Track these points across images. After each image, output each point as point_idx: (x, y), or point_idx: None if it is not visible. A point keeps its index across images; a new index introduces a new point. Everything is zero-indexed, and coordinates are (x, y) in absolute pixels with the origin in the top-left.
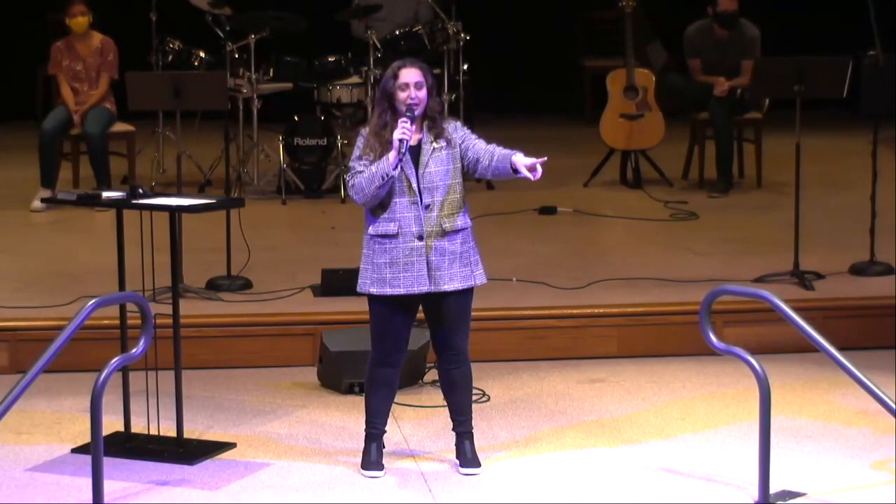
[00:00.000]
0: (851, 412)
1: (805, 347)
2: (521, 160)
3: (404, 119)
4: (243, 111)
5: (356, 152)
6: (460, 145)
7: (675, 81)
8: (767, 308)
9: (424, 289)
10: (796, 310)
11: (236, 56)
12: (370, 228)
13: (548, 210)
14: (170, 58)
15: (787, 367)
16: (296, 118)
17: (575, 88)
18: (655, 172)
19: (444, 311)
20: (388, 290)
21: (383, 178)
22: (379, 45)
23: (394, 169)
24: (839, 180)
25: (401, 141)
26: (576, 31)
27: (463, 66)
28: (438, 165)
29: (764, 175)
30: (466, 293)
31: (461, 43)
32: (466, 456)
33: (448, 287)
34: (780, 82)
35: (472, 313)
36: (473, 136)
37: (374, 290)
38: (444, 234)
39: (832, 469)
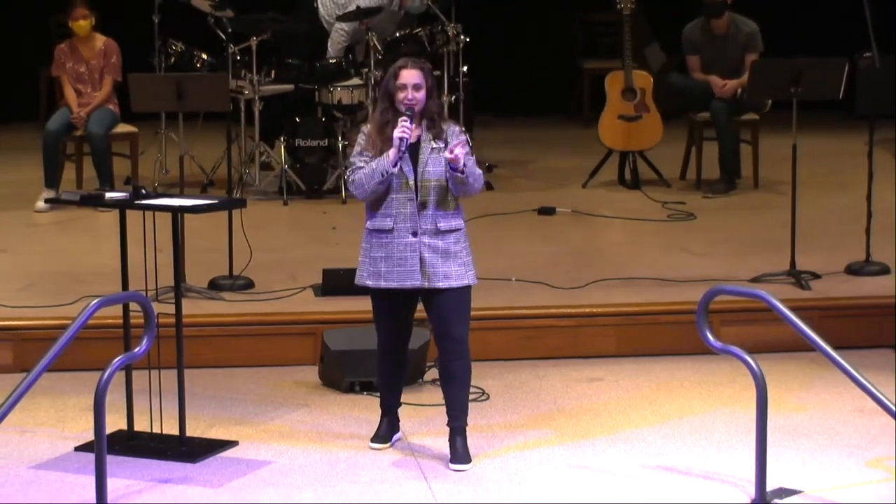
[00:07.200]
0: (847, 410)
1: (801, 346)
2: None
3: (405, 118)
4: (245, 112)
5: (357, 148)
6: None
7: (676, 81)
8: (764, 307)
9: (417, 283)
10: (793, 309)
11: (238, 58)
12: (368, 223)
13: (547, 210)
14: (172, 60)
15: (783, 365)
16: (297, 119)
17: (573, 90)
18: (653, 173)
19: (441, 305)
20: (383, 284)
21: (383, 175)
22: (380, 48)
23: (393, 166)
24: (835, 181)
25: (401, 139)
26: (574, 32)
27: (462, 67)
28: (436, 166)
29: (761, 175)
30: (461, 290)
31: (461, 45)
32: (457, 451)
33: (442, 284)
34: (777, 84)
35: (472, 312)
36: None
37: (370, 283)
38: (438, 232)
39: (828, 467)
